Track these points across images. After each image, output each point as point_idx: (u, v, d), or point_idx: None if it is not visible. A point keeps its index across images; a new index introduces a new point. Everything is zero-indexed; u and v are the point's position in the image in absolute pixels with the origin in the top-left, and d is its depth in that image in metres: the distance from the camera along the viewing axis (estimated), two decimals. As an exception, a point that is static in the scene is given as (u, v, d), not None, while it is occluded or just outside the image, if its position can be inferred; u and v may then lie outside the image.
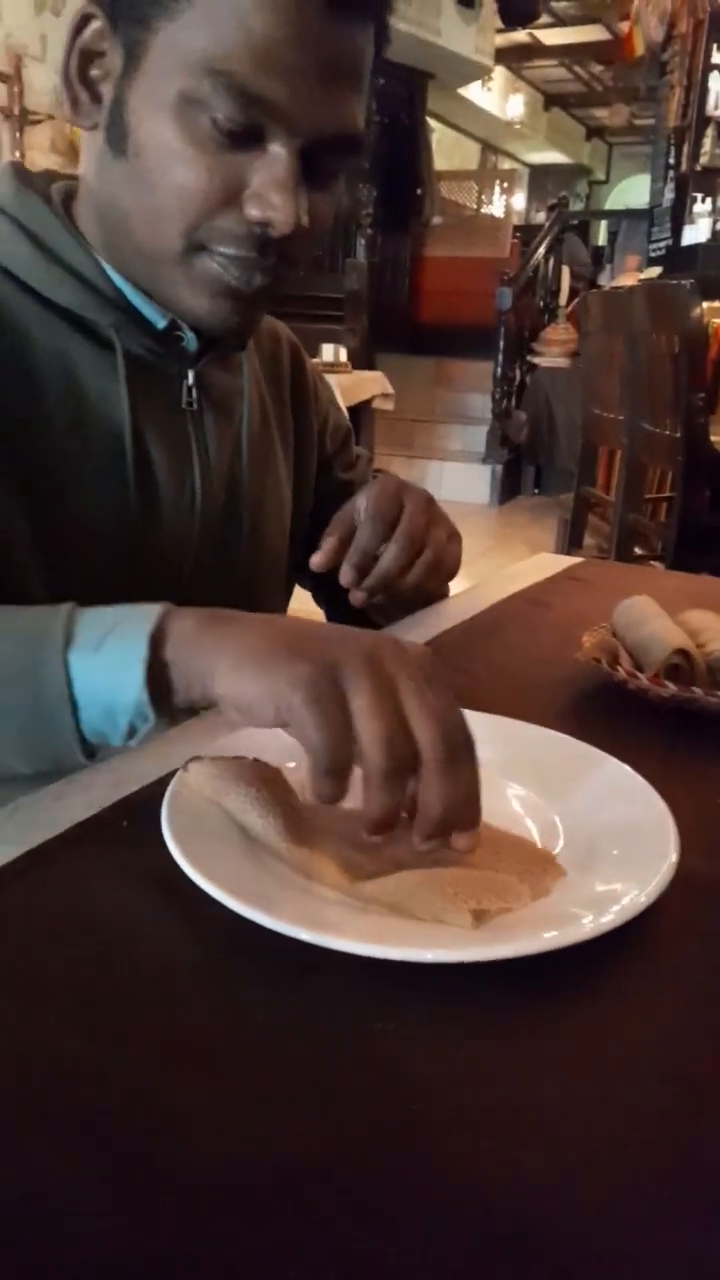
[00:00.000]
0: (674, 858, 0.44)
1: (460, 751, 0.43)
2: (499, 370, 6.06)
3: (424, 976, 0.38)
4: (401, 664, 0.43)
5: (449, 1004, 0.38)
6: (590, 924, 0.40)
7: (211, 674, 0.45)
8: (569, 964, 0.39)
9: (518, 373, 6.24)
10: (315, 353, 3.64)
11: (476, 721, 0.58)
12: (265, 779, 0.50)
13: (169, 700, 0.47)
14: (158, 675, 0.46)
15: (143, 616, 0.47)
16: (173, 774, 0.51)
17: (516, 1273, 0.27)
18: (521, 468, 6.26)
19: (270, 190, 0.59)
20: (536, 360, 6.18)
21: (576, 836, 0.49)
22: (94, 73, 0.62)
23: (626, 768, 0.53)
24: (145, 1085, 0.33)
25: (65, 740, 0.47)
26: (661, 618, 0.71)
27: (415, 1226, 0.28)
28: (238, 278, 0.63)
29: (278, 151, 0.59)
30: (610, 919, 0.40)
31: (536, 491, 6.24)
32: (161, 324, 0.69)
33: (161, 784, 0.51)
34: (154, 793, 0.50)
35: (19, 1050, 0.34)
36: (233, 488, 0.78)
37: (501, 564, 0.95)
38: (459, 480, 5.85)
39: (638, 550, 2.82)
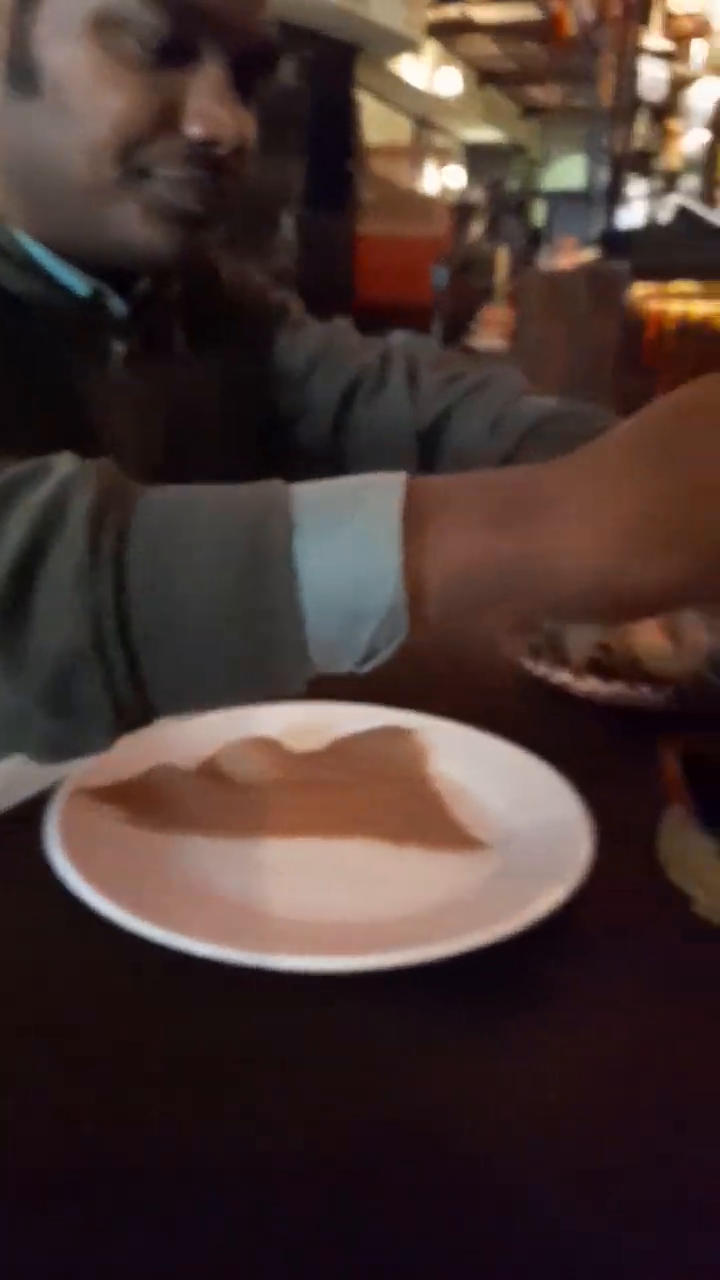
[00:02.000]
0: (587, 855, 0.44)
1: None
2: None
3: (351, 986, 0.37)
4: None
5: (384, 1013, 0.37)
6: (509, 924, 0.39)
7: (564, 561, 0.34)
8: (491, 964, 0.38)
9: (456, 355, 6.23)
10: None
11: (398, 720, 0.58)
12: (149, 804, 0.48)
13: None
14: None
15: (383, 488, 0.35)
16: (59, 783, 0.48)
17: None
18: (459, 449, 6.26)
19: (211, 105, 0.57)
20: (474, 343, 6.18)
21: (493, 835, 0.49)
22: None
23: (544, 765, 0.53)
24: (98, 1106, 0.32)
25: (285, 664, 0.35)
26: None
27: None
28: (186, 198, 0.60)
29: (211, 65, 0.57)
30: (525, 917, 0.40)
31: (474, 473, 6.25)
32: (84, 291, 0.64)
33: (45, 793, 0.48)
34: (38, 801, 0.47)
35: None
36: (172, 461, 0.73)
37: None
38: (397, 462, 5.81)
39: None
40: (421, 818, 0.50)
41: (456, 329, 6.22)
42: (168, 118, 0.58)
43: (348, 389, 0.80)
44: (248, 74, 0.60)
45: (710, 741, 0.49)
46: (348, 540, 0.34)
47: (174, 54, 0.57)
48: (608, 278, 2.28)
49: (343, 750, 0.56)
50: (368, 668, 0.35)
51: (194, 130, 0.58)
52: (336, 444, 0.81)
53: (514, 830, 0.48)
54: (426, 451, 0.77)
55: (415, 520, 0.34)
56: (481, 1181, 0.31)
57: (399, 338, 1.04)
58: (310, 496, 0.36)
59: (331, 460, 0.81)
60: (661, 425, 0.34)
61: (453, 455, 0.75)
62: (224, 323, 0.80)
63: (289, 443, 0.82)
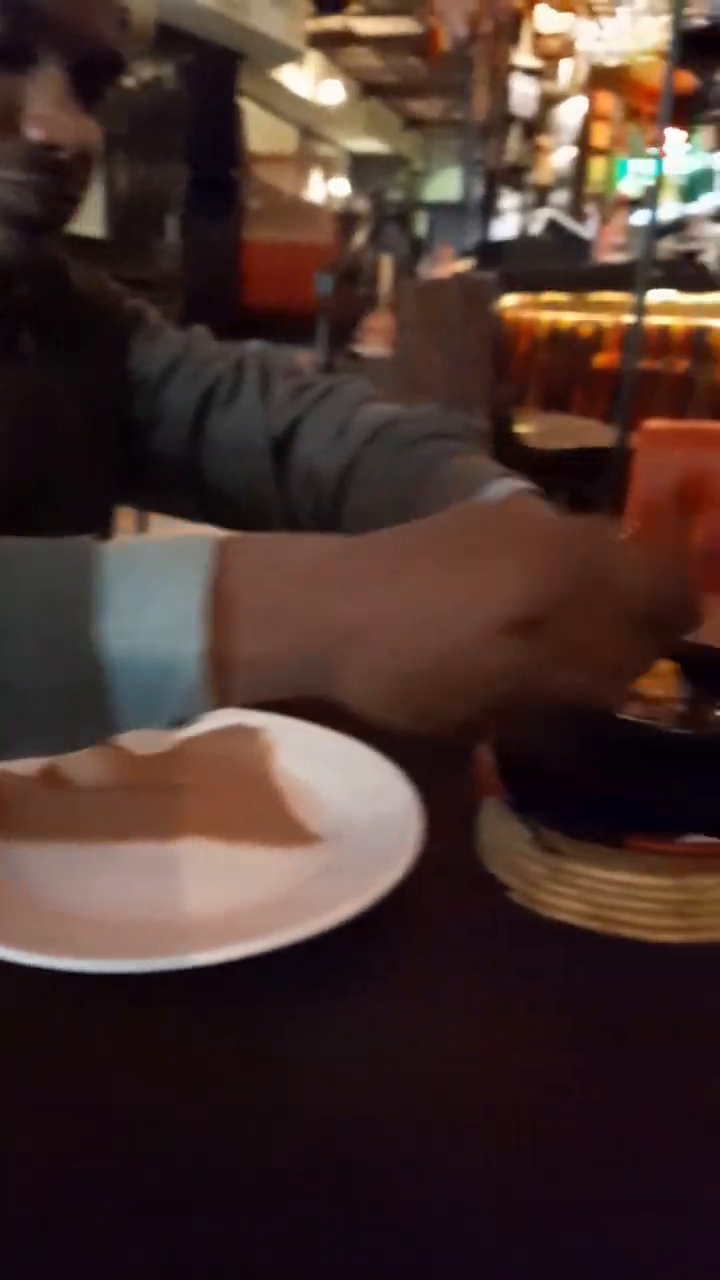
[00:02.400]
0: (414, 847, 0.45)
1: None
2: (322, 358, 6.06)
3: (163, 985, 0.37)
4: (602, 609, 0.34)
5: (202, 1012, 0.38)
6: (327, 918, 0.40)
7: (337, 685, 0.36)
8: (315, 956, 0.39)
9: (340, 361, 6.26)
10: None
11: (244, 718, 0.58)
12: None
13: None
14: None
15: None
16: None
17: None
18: (347, 456, 6.28)
19: (52, 110, 0.57)
20: (359, 349, 6.22)
21: (328, 829, 0.50)
22: None
23: (383, 759, 0.54)
24: None
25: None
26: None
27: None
28: (27, 201, 0.60)
29: (51, 70, 0.57)
30: (342, 912, 0.41)
31: (362, 479, 6.28)
32: None
33: None
34: None
35: None
36: (24, 466, 0.72)
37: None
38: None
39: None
40: (260, 815, 0.51)
41: (342, 336, 6.26)
42: (7, 121, 0.57)
43: (204, 397, 0.79)
44: (90, 80, 0.60)
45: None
46: (152, 621, 0.34)
47: (11, 58, 0.56)
48: (478, 287, 2.33)
49: (187, 751, 0.56)
50: (178, 731, 0.36)
51: (33, 134, 0.58)
52: (194, 453, 0.80)
53: (348, 823, 0.49)
54: (279, 460, 0.77)
55: (221, 605, 0.34)
56: (321, 1175, 0.32)
57: (253, 346, 1.05)
58: (118, 567, 0.35)
59: (189, 468, 0.81)
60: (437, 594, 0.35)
61: (302, 463, 0.76)
62: (76, 328, 0.79)
63: (147, 451, 0.82)
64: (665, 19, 1.94)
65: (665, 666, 0.49)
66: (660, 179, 2.00)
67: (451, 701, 0.35)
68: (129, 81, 6.13)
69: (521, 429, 2.42)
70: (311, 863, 0.47)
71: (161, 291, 5.54)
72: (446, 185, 11.88)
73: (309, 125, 11.49)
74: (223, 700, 0.35)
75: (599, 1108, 0.35)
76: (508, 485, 0.67)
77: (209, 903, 0.44)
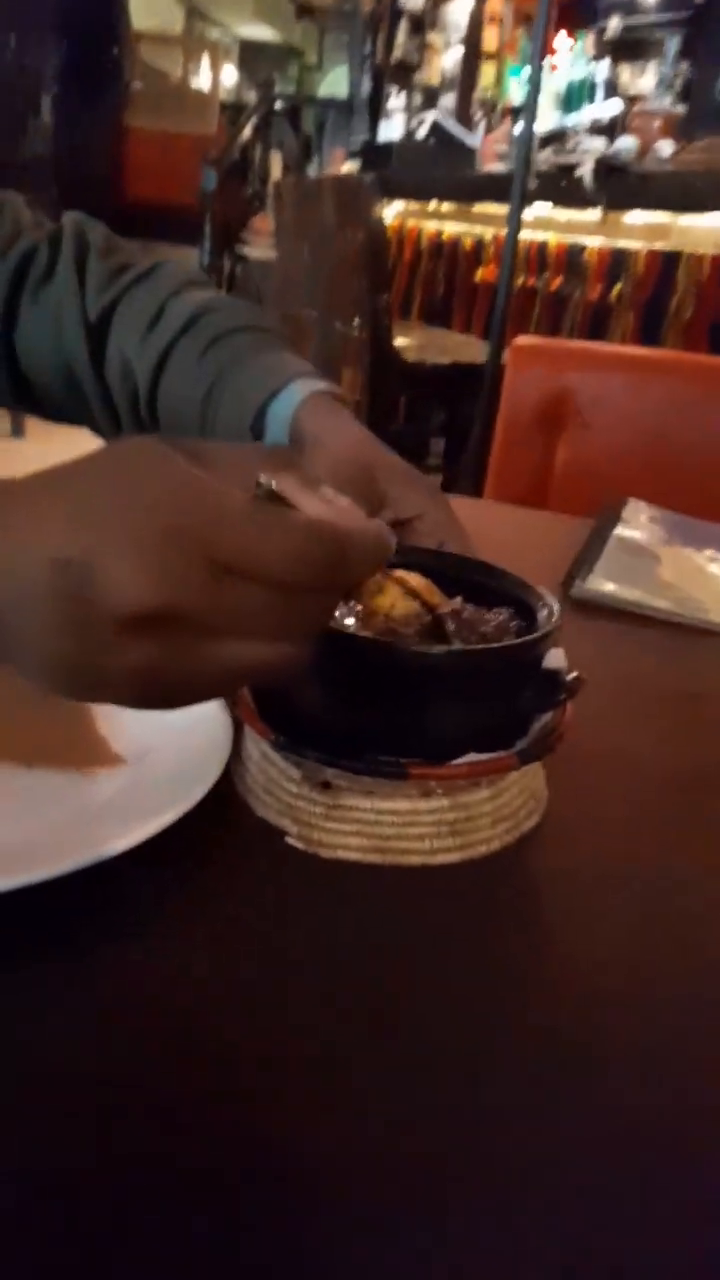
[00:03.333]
0: (214, 776, 0.45)
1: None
2: (205, 259, 5.80)
3: None
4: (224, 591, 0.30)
5: None
6: (96, 850, 0.39)
7: None
8: (106, 884, 0.39)
9: (227, 263, 6.00)
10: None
11: None
12: None
13: None
14: None
15: None
16: None
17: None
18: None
19: None
20: (246, 251, 5.97)
21: (132, 750, 0.49)
22: None
23: None
24: None
25: None
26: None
27: None
28: None
29: None
30: (136, 836, 0.40)
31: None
32: None
33: None
34: None
35: None
36: None
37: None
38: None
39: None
40: (64, 737, 0.49)
41: (228, 236, 5.99)
42: None
43: (16, 272, 0.74)
44: None
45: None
46: None
47: None
48: (355, 191, 2.24)
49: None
50: None
51: None
52: (6, 333, 0.75)
53: (153, 745, 0.48)
54: (95, 348, 0.73)
55: None
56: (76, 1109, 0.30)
57: (70, 216, 0.97)
58: None
59: (2, 349, 0.75)
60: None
61: (116, 351, 0.72)
62: None
63: None
64: None
65: (421, 583, 0.46)
66: (537, 87, 1.94)
67: (101, 694, 0.32)
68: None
69: (400, 341, 2.37)
70: (103, 788, 0.45)
71: (32, 174, 5.17)
72: (340, 81, 11.36)
73: (196, 4, 10.77)
74: None
75: (408, 1030, 0.36)
76: (308, 385, 0.65)
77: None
